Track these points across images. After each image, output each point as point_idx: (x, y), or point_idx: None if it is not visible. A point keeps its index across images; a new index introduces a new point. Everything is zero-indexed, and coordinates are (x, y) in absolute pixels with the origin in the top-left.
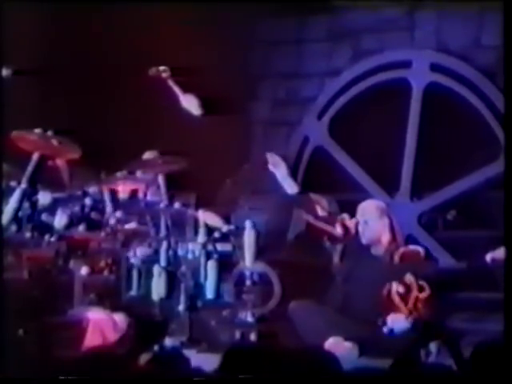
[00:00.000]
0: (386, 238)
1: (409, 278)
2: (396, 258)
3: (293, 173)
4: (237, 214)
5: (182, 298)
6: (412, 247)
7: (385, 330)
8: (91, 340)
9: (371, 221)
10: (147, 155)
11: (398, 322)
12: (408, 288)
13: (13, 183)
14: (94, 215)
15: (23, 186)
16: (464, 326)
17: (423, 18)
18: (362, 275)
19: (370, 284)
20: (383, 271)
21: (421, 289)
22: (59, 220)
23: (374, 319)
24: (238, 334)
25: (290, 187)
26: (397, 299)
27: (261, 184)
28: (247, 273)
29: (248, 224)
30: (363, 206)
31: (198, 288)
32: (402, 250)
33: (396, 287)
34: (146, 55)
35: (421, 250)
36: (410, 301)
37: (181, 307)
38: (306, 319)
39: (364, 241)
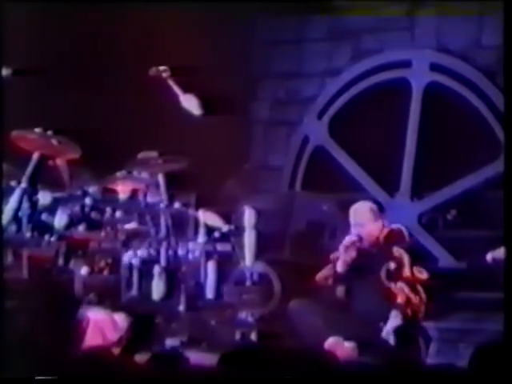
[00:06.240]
0: (381, 237)
1: (396, 250)
2: (381, 239)
3: (293, 173)
4: (237, 214)
5: (182, 298)
6: (394, 226)
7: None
8: (91, 340)
9: (367, 224)
10: (144, 155)
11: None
12: (399, 263)
13: (13, 183)
14: (93, 215)
15: (23, 185)
16: (464, 326)
17: (423, 18)
18: (360, 271)
19: (369, 280)
20: (374, 259)
21: (418, 271)
22: (59, 220)
23: (375, 318)
24: (238, 334)
25: None
26: (386, 281)
27: (261, 184)
28: (247, 273)
29: (248, 224)
30: (356, 209)
31: (198, 288)
32: (385, 230)
33: (386, 266)
34: (146, 55)
35: (403, 228)
36: (402, 276)
37: (181, 307)
38: (306, 319)
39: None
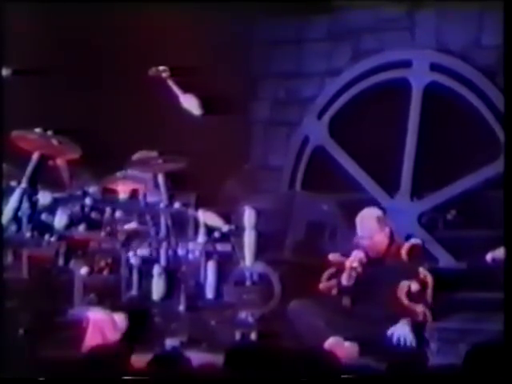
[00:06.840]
0: (385, 244)
1: (422, 272)
2: (404, 256)
3: (293, 173)
4: (237, 214)
5: (182, 298)
6: (413, 240)
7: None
8: (91, 340)
9: (375, 235)
10: (143, 154)
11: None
12: (423, 284)
13: (13, 183)
14: (94, 215)
15: (23, 185)
16: (464, 326)
17: (423, 18)
18: (369, 281)
19: (378, 288)
20: (392, 272)
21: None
22: (59, 220)
23: (377, 320)
24: (238, 334)
25: None
26: (406, 300)
27: (261, 184)
28: (247, 273)
29: (248, 224)
30: (363, 219)
31: (198, 288)
32: (406, 245)
33: (408, 287)
34: (145, 55)
35: (419, 241)
36: (426, 298)
37: (181, 307)
38: (306, 319)
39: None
